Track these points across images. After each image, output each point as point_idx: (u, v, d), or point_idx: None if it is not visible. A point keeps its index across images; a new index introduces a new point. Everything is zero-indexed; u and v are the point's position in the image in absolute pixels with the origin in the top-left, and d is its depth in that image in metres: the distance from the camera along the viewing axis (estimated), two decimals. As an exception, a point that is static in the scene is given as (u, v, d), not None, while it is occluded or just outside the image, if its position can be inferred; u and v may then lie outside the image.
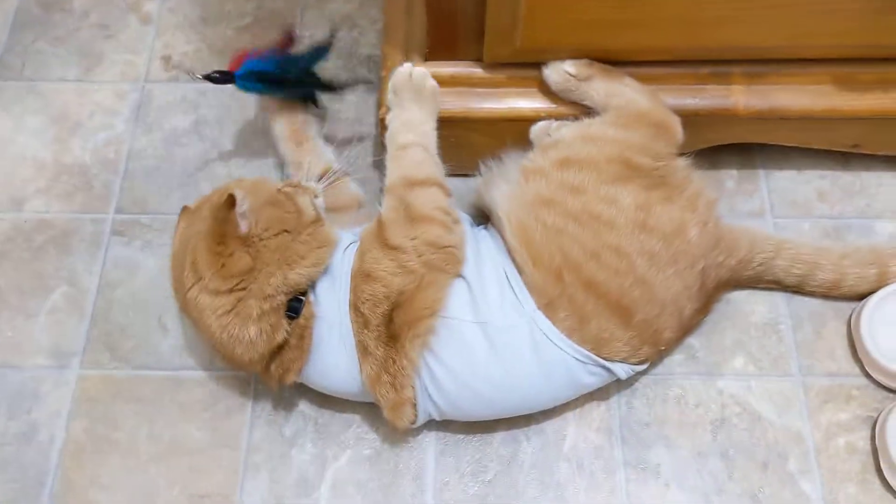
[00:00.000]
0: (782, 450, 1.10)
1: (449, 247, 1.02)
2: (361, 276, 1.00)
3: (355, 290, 1.00)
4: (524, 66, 1.15)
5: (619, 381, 1.08)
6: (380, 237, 1.01)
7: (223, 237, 0.96)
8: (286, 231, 1.00)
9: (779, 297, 1.19)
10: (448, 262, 1.02)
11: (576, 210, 1.02)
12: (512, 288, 1.02)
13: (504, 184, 1.09)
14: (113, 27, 1.46)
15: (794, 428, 1.11)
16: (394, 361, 0.99)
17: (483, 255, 1.05)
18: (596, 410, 1.12)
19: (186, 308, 1.01)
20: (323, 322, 1.01)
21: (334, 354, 1.01)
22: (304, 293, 1.00)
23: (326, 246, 1.02)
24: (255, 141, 1.34)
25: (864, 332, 1.12)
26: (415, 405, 1.02)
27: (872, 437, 1.09)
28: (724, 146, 1.24)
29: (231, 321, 0.97)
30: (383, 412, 1.02)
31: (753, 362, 1.15)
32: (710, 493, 1.07)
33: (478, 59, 1.16)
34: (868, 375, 1.13)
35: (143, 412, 1.13)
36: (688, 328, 1.11)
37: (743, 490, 1.07)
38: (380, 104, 1.19)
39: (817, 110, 1.17)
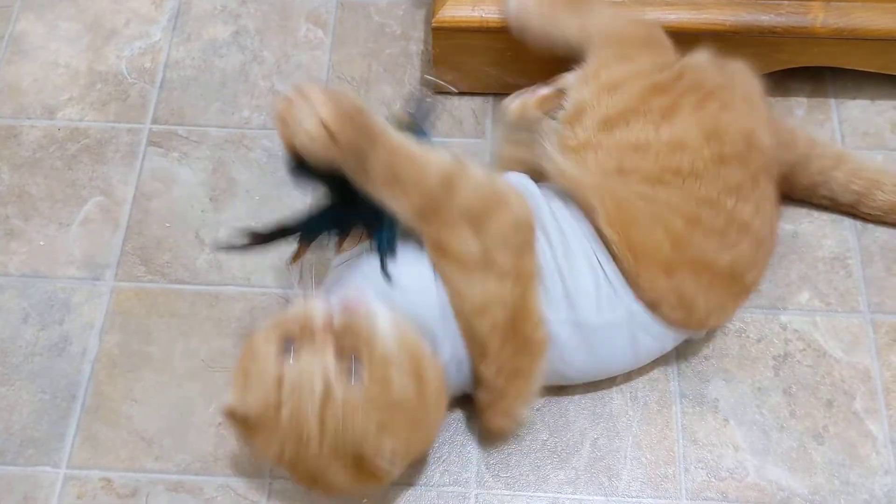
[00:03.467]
0: (848, 388, 1.04)
1: (519, 221, 0.89)
2: (473, 313, 0.88)
3: (468, 327, 0.88)
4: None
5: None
6: (461, 267, 0.87)
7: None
8: None
9: (848, 231, 1.13)
10: (529, 241, 0.90)
11: (654, 171, 0.94)
12: (607, 277, 0.92)
13: (552, 159, 0.97)
14: (151, -67, 1.39)
15: (862, 366, 1.05)
16: (513, 391, 0.93)
17: (568, 235, 0.93)
18: (652, 341, 1.07)
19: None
20: (443, 355, 0.90)
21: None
22: None
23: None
24: (297, 53, 1.28)
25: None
26: None
27: (946, 378, 1.04)
28: (795, 71, 1.17)
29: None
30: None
31: (820, 297, 1.09)
32: (771, 430, 1.02)
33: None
34: (943, 314, 1.07)
35: (178, 327, 1.09)
36: (765, 234, 1.01)
37: (805, 428, 1.02)
38: (431, 15, 1.12)
39: (900, 31, 1.09)
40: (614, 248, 0.91)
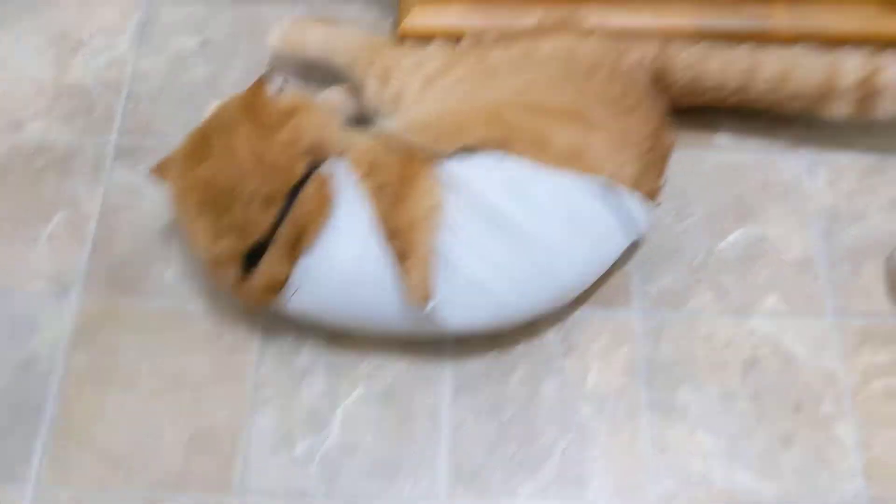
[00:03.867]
0: (816, 392, 1.04)
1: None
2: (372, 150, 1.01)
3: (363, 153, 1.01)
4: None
5: (644, 318, 1.02)
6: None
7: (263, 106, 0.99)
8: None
9: (815, 234, 1.13)
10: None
11: (472, 87, 1.05)
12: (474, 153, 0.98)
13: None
14: (116, -57, 1.38)
15: (829, 370, 1.05)
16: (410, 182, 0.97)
17: None
18: (620, 349, 1.07)
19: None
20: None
21: (347, 213, 0.97)
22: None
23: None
24: (265, 63, 1.27)
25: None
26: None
27: (912, 381, 1.04)
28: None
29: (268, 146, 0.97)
30: (404, 279, 0.96)
31: (786, 301, 1.10)
32: (739, 437, 1.02)
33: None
34: (908, 316, 1.08)
35: (146, 344, 1.08)
36: (660, 130, 1.05)
37: (774, 433, 1.02)
38: (398, 22, 1.12)
39: (862, 34, 1.11)
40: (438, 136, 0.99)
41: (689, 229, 1.08)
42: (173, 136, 1.20)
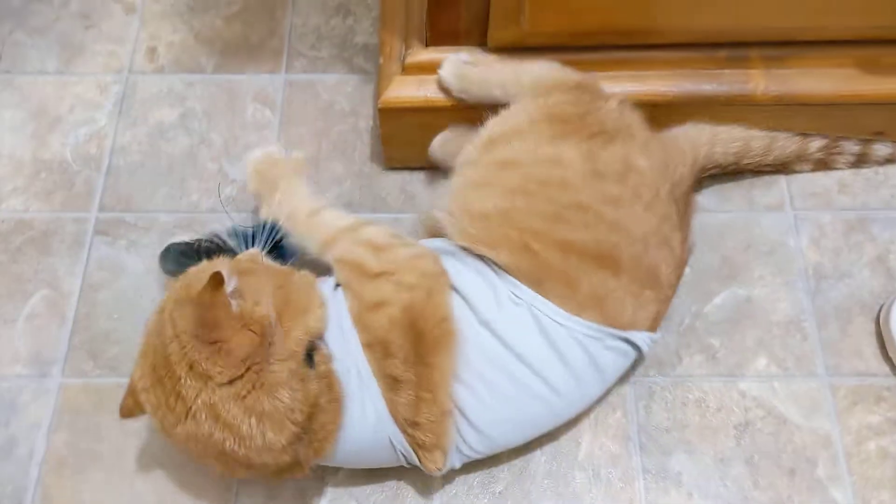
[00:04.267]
0: (810, 455, 1.03)
1: (427, 255, 0.95)
2: (367, 309, 0.90)
3: (367, 327, 0.90)
4: (531, 50, 1.08)
5: (635, 384, 1.01)
6: (362, 275, 0.92)
7: (216, 324, 0.81)
8: (278, 288, 0.88)
9: (802, 293, 1.13)
10: (438, 267, 0.94)
11: (517, 183, 0.96)
12: (497, 276, 0.93)
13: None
14: (94, 17, 1.38)
15: (822, 431, 1.05)
16: (429, 380, 0.89)
17: (453, 263, 0.96)
18: (612, 416, 1.06)
19: (191, 426, 0.84)
20: (340, 365, 0.90)
21: (358, 402, 0.89)
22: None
23: (315, 284, 0.93)
24: (245, 134, 1.27)
25: (895, 330, 1.06)
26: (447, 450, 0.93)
27: (906, 441, 1.03)
28: (741, 135, 1.18)
29: (258, 397, 0.82)
30: (416, 458, 0.92)
31: (777, 362, 1.09)
32: (735, 502, 1.01)
33: (482, 44, 1.09)
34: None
35: (129, 424, 1.05)
36: (683, 261, 1.03)
37: (769, 499, 1.01)
38: (378, 94, 1.12)
39: (840, 95, 1.11)
40: (476, 250, 0.94)
41: (675, 292, 1.07)
42: (154, 210, 1.20)
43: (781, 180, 1.22)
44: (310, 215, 0.99)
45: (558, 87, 1.03)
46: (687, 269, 1.12)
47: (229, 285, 0.83)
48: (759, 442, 1.04)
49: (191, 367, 0.82)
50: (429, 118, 1.11)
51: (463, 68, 1.08)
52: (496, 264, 0.93)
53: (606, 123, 1.00)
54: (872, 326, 1.11)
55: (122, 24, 1.38)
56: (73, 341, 1.11)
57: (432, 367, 0.89)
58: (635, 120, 1.02)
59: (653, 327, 0.98)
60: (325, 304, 0.91)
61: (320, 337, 0.89)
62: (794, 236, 1.17)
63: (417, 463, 0.92)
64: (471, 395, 0.91)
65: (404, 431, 0.90)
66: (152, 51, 1.36)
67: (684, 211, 1.04)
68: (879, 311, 1.10)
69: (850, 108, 1.12)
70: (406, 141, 1.17)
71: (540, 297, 0.92)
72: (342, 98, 1.30)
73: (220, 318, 0.81)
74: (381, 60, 1.14)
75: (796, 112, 1.13)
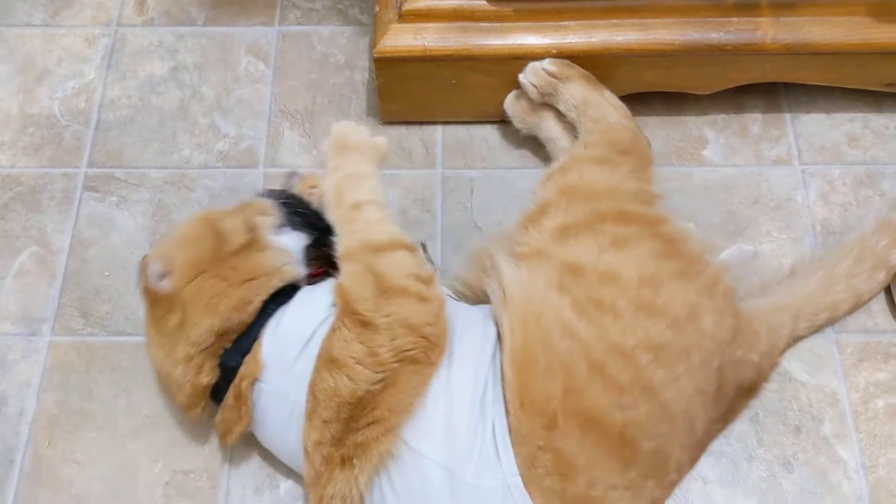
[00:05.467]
0: (816, 412, 1.01)
1: (426, 326, 0.84)
2: (326, 359, 0.84)
3: (317, 373, 0.84)
4: (532, -3, 1.04)
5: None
6: (347, 310, 0.84)
7: (155, 302, 0.89)
8: (202, 272, 0.89)
9: (808, 249, 1.10)
10: (425, 350, 0.84)
11: (581, 298, 0.85)
12: (494, 435, 0.82)
13: (504, 267, 0.90)
14: (82, -33, 1.35)
15: (829, 389, 1.02)
16: (342, 479, 0.83)
17: (465, 357, 0.86)
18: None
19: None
20: (271, 394, 0.87)
21: (282, 429, 0.88)
22: (247, 350, 0.88)
23: (258, 277, 0.90)
24: (238, 88, 1.24)
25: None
26: None
27: (914, 398, 1.01)
28: (749, 88, 1.15)
29: (166, 362, 0.90)
30: None
31: (783, 319, 1.07)
32: (739, 460, 0.99)
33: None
34: (909, 332, 1.05)
35: (120, 382, 1.04)
36: (702, 444, 0.92)
37: (774, 456, 0.99)
38: (373, 45, 1.08)
39: (851, 44, 1.07)
40: (508, 391, 0.83)
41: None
42: (144, 165, 1.17)
43: (790, 133, 1.18)
44: (353, 207, 0.91)
45: (616, 144, 0.99)
46: (693, 224, 1.10)
47: (153, 271, 0.88)
48: (764, 399, 1.02)
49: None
50: (427, 69, 1.08)
51: (542, 79, 1.07)
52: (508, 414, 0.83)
53: (681, 245, 0.92)
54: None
55: (111, -25, 1.34)
56: (63, 299, 1.09)
57: (349, 474, 0.83)
58: (727, 287, 0.92)
59: None
60: (245, 301, 0.89)
61: (230, 335, 0.89)
62: (802, 191, 1.14)
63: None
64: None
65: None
66: (141, 3, 1.32)
67: (732, 401, 0.93)
68: (889, 267, 1.08)
69: (861, 57, 1.09)
70: (404, 93, 1.14)
71: (524, 490, 0.80)
72: (337, 50, 1.27)
73: (155, 298, 0.89)
74: (377, 8, 1.10)
75: (806, 62, 1.10)
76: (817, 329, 1.04)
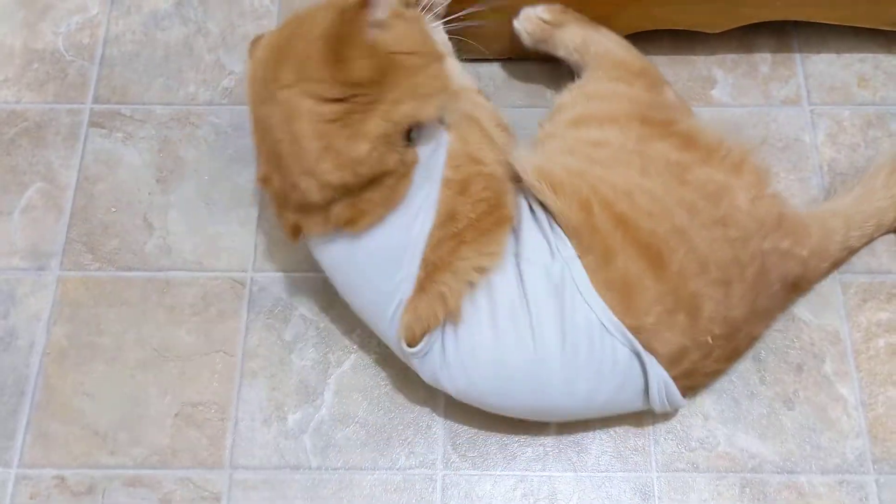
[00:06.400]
0: (818, 351, 1.02)
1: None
2: (467, 156, 0.89)
3: (457, 168, 0.88)
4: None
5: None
6: (481, 131, 0.93)
7: (347, 39, 0.82)
8: (418, 54, 0.86)
9: (816, 191, 1.10)
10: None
11: (602, 157, 0.91)
12: (550, 227, 0.90)
13: (523, 153, 0.94)
14: None
15: (831, 328, 1.03)
16: (475, 235, 0.87)
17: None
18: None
19: (265, 108, 0.86)
20: (420, 172, 0.87)
21: (410, 213, 0.86)
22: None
23: (448, 91, 0.89)
24: (243, 24, 1.23)
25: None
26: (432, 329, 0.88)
27: (916, 338, 1.02)
28: (759, 27, 1.13)
29: (336, 132, 0.82)
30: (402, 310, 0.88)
31: (787, 259, 1.07)
32: (741, 397, 1.00)
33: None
34: (913, 272, 1.06)
35: (129, 316, 1.05)
36: (736, 329, 0.91)
37: (775, 394, 1.00)
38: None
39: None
40: (539, 194, 0.90)
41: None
42: (150, 102, 1.17)
43: (799, 73, 1.17)
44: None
45: (626, 69, 1.01)
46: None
47: (376, 12, 0.83)
48: (767, 338, 1.02)
49: (300, 62, 0.83)
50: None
51: (536, 26, 1.06)
52: (553, 215, 0.90)
53: (700, 139, 0.95)
54: (887, 223, 1.08)
55: None
56: (71, 234, 1.09)
57: (490, 233, 0.88)
58: (755, 167, 0.94)
59: (672, 364, 0.88)
60: (443, 107, 0.88)
61: (425, 125, 0.87)
62: (811, 132, 1.14)
63: (398, 317, 0.88)
64: (471, 305, 0.88)
65: (423, 266, 0.87)
66: None
67: (778, 294, 0.94)
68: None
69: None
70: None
71: (577, 259, 0.87)
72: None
73: (353, 35, 0.82)
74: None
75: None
76: (869, 239, 1.04)
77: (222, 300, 1.05)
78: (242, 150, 1.13)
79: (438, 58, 0.89)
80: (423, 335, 0.88)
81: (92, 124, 1.16)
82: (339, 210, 0.85)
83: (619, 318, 0.86)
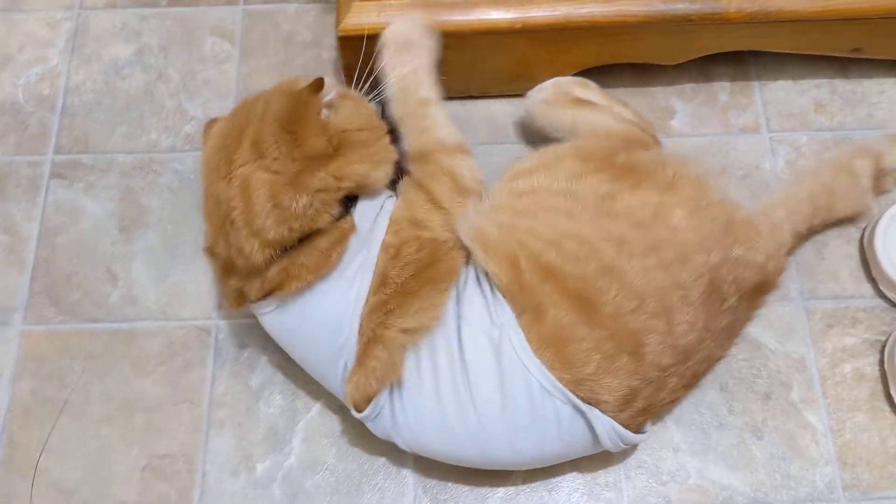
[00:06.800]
0: (785, 379, 1.02)
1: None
2: (409, 221, 0.90)
3: (398, 232, 0.89)
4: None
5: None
6: (429, 200, 0.92)
7: (302, 120, 0.86)
8: (367, 129, 0.91)
9: (777, 217, 1.11)
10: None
11: (527, 207, 0.91)
12: (491, 291, 0.89)
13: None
14: (42, -50, 1.32)
15: (797, 355, 1.03)
16: (408, 298, 0.87)
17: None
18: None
19: (220, 185, 0.87)
20: (355, 242, 0.88)
21: (345, 281, 0.87)
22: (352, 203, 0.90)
23: (391, 161, 0.92)
24: (204, 69, 1.23)
25: (880, 249, 1.04)
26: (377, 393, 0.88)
27: (881, 362, 1.02)
28: (717, 57, 1.14)
29: (285, 190, 0.84)
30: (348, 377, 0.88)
31: (752, 287, 1.07)
32: (710, 429, 1.00)
33: (445, -37, 1.05)
34: (878, 296, 1.06)
35: (94, 369, 1.04)
36: (690, 349, 0.87)
37: (744, 423, 1.00)
38: (337, 22, 1.08)
39: (814, 11, 1.07)
40: (473, 255, 0.90)
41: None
42: (112, 150, 1.17)
43: (758, 101, 1.19)
44: (421, 104, 0.98)
45: (605, 134, 1.01)
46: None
47: (327, 95, 0.89)
48: (734, 368, 1.03)
49: (254, 142, 0.86)
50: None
51: (536, 108, 1.08)
52: (488, 277, 0.89)
53: (640, 167, 0.93)
54: (849, 248, 1.09)
55: (72, -43, 1.32)
56: (34, 287, 1.09)
57: (417, 294, 0.87)
58: (693, 179, 0.92)
59: (622, 407, 0.86)
60: (389, 174, 0.91)
61: (367, 192, 0.90)
62: (770, 158, 1.15)
63: (341, 380, 0.89)
64: (416, 368, 0.87)
65: (360, 334, 0.87)
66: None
67: (737, 307, 0.90)
68: (863, 232, 1.09)
69: (825, 24, 1.08)
70: (370, 72, 1.13)
71: (515, 320, 0.86)
72: (303, 28, 1.26)
73: (307, 116, 0.86)
74: (339, -14, 1.09)
75: (771, 30, 1.09)
76: (810, 224, 1.03)
77: (188, 349, 1.05)
78: (205, 196, 1.13)
79: (385, 132, 0.93)
80: (367, 402, 0.88)
81: (53, 175, 1.16)
82: (273, 273, 0.86)
83: (557, 375, 0.84)
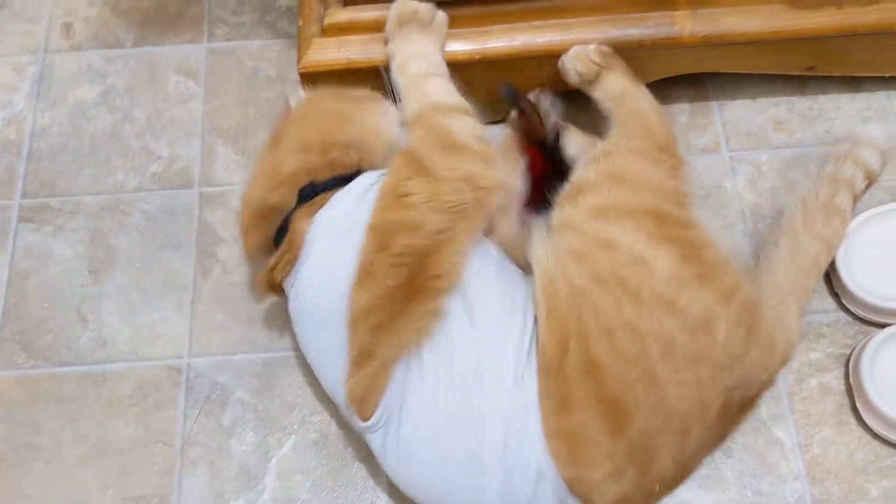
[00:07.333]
0: (753, 397, 1.03)
1: (483, 189, 0.89)
2: (394, 196, 0.88)
3: (382, 212, 0.87)
4: (453, 4, 1.05)
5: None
6: (413, 163, 0.89)
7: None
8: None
9: (740, 235, 1.12)
10: (477, 209, 0.89)
11: (604, 271, 0.86)
12: (530, 337, 0.86)
13: (539, 242, 0.91)
14: (5, -5, 1.34)
15: (764, 372, 1.05)
16: (397, 315, 0.85)
17: (516, 292, 0.90)
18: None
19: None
20: (334, 222, 0.91)
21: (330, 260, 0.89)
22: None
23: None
24: (169, 108, 1.24)
25: (841, 262, 1.06)
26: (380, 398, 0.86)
27: (846, 376, 1.03)
28: (675, 79, 1.16)
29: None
30: (345, 382, 0.87)
31: (717, 306, 1.09)
32: (680, 449, 1.01)
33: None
34: (841, 310, 1.08)
35: (66, 412, 1.04)
36: (686, 466, 0.89)
37: (714, 442, 1.01)
38: (298, 58, 1.09)
39: (768, 32, 1.09)
40: (539, 309, 0.87)
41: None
42: (79, 193, 1.17)
43: (717, 121, 1.20)
44: (421, 76, 1.00)
45: (653, 137, 1.00)
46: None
47: None
48: (702, 387, 1.04)
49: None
50: (351, 80, 1.08)
51: (587, 66, 1.05)
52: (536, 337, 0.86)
53: (704, 252, 0.90)
54: (812, 264, 1.10)
55: (35, 2, 1.32)
56: (4, 333, 1.09)
57: (395, 315, 0.85)
58: (736, 282, 0.89)
59: None
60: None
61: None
62: (731, 178, 1.16)
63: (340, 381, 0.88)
64: (419, 378, 0.86)
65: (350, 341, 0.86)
66: (68, 27, 1.31)
67: (731, 420, 0.90)
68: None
69: (779, 44, 1.10)
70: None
71: (536, 399, 0.83)
72: (267, 64, 1.27)
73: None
74: (301, 22, 1.11)
75: (726, 52, 1.11)
76: (814, 291, 1.03)
77: (159, 389, 1.05)
78: (174, 234, 1.14)
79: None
80: (366, 403, 0.87)
81: (21, 219, 1.16)
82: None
83: (561, 468, 0.82)
